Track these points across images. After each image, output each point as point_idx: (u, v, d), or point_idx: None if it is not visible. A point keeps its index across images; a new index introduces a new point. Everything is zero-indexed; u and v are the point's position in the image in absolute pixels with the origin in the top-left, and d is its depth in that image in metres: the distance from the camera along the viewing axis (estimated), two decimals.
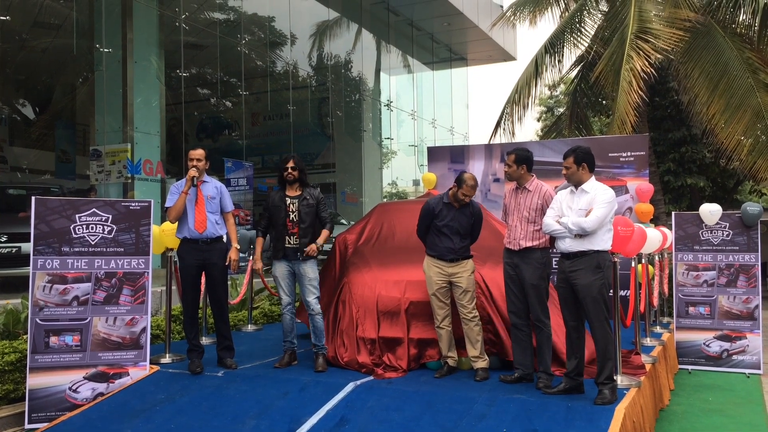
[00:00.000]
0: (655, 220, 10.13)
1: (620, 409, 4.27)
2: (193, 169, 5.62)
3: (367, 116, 20.36)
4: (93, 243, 5.56)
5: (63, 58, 15.91)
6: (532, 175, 5.16)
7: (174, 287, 6.33)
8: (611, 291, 4.84)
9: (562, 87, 22.82)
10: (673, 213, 8.07)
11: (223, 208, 5.82)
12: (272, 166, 18.93)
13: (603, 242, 4.60)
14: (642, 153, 8.66)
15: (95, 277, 5.53)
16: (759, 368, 7.34)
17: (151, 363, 5.66)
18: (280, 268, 5.72)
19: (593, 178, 4.75)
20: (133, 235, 5.69)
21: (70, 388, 5.33)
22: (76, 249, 5.50)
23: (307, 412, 4.53)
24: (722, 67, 11.91)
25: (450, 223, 5.35)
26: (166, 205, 5.70)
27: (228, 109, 19.55)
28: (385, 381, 5.16)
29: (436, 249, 5.38)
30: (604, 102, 17.20)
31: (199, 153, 5.70)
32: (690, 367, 7.53)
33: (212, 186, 5.81)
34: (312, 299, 5.63)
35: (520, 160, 5.09)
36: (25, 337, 5.66)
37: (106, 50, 11.97)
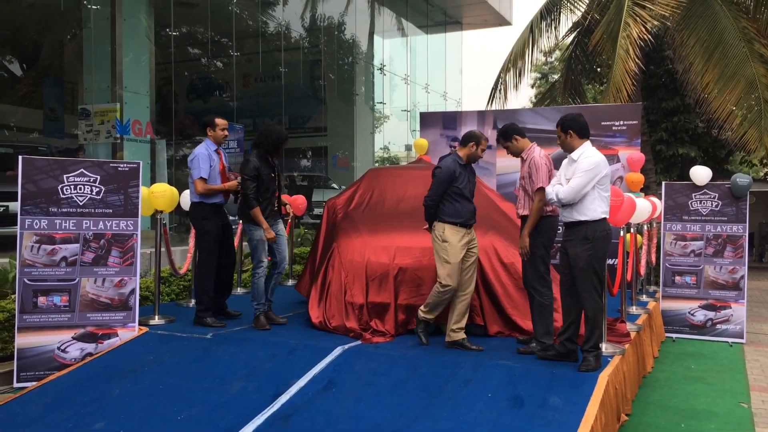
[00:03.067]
0: (646, 190, 10.15)
1: (603, 376, 4.33)
2: (236, 182, 5.97)
3: (360, 80, 20.13)
4: (81, 204, 5.52)
5: (50, 13, 15.56)
6: (532, 144, 5.13)
7: (163, 249, 6.32)
8: (609, 261, 4.89)
9: (558, 53, 22.62)
10: (663, 183, 8.09)
11: None
12: None
13: (591, 212, 4.54)
14: (634, 122, 8.64)
15: (83, 238, 5.51)
16: (742, 337, 7.45)
17: (140, 324, 5.69)
18: (273, 231, 5.80)
19: (585, 144, 4.68)
20: (122, 197, 5.65)
21: (58, 348, 5.35)
22: (64, 210, 5.46)
23: (295, 375, 4.58)
24: (718, 35, 11.80)
25: (468, 185, 5.19)
26: (202, 174, 5.82)
27: (219, 69, 19.25)
28: (373, 345, 5.21)
29: (460, 215, 5.09)
30: (599, 69, 17.07)
31: (226, 122, 6.07)
32: (674, 335, 7.63)
33: (224, 154, 6.21)
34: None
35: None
36: (13, 296, 5.66)
37: (94, 7, 11.71)
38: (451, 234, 5.07)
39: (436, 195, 5.12)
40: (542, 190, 4.83)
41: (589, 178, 4.51)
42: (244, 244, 8.33)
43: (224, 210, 6.17)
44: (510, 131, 5.12)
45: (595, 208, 4.55)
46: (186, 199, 6.95)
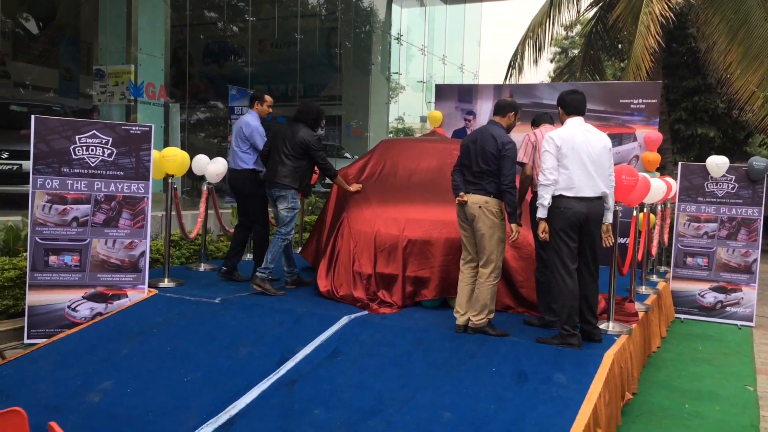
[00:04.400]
0: (662, 170, 10.04)
1: (609, 355, 4.32)
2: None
3: (376, 49, 19.94)
4: (93, 165, 5.52)
5: None
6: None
7: (174, 213, 6.34)
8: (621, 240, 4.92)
9: (578, 28, 22.24)
10: (679, 163, 7.98)
11: None
12: (278, 96, 18.67)
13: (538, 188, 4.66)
14: (654, 101, 8.51)
15: (95, 200, 5.53)
16: (751, 321, 7.41)
17: (149, 286, 5.72)
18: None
19: (569, 120, 4.73)
20: (133, 160, 5.65)
21: (69, 307, 5.41)
22: (76, 170, 5.47)
23: (301, 342, 4.60)
24: (743, 15, 11.56)
25: None
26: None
27: (234, 34, 19.11)
28: (379, 316, 5.22)
29: None
30: (620, 46, 16.79)
31: (272, 101, 6.50)
32: (683, 316, 7.60)
33: None
34: None
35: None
36: (25, 254, 5.70)
37: None
38: (502, 210, 4.79)
39: (514, 174, 4.76)
40: (521, 164, 5.06)
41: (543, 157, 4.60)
42: None
43: None
44: (514, 107, 5.07)
45: (540, 188, 4.62)
46: (200, 164, 6.96)
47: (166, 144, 11.21)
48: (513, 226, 4.75)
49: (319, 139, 5.94)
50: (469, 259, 4.89)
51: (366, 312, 5.30)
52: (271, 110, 6.49)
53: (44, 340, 5.01)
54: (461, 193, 4.82)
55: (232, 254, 6.52)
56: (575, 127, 4.66)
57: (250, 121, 6.28)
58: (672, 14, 11.13)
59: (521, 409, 3.66)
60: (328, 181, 6.51)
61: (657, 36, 10.96)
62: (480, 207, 4.73)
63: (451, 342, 4.64)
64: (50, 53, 17.60)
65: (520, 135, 8.58)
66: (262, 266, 5.84)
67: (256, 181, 6.24)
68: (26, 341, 5.23)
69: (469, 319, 4.79)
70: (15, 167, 8.53)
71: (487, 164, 4.74)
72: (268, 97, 6.47)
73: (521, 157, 5.09)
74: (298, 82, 17.57)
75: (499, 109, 4.99)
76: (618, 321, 5.10)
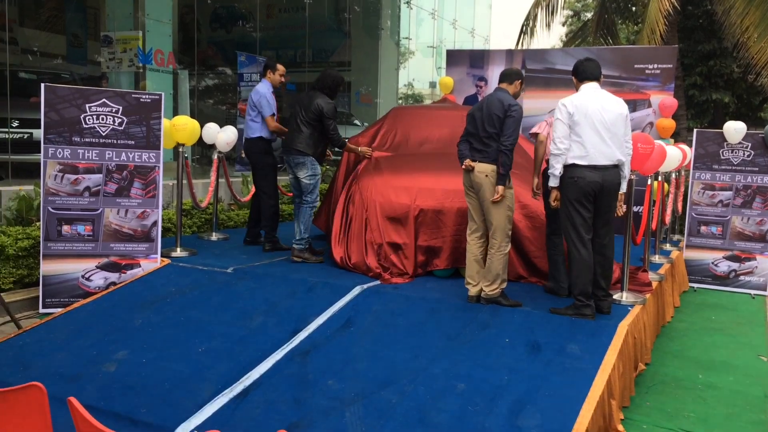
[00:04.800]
0: (676, 136, 9.91)
1: (623, 326, 4.31)
2: None
3: (386, 13, 19.60)
4: (104, 134, 5.50)
5: None
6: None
7: (185, 182, 6.32)
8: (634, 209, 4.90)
9: None
10: (695, 130, 7.86)
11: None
12: (286, 62, 18.46)
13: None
14: (669, 66, 8.35)
15: (106, 169, 5.51)
16: (765, 290, 7.36)
17: (162, 256, 5.74)
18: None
19: (582, 86, 4.64)
20: (144, 129, 5.61)
21: (83, 276, 5.44)
22: (87, 139, 5.45)
23: (314, 312, 4.61)
24: None
25: None
26: (274, 111, 6.33)
27: None
28: (392, 286, 5.22)
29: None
30: (633, 8, 16.44)
31: (284, 69, 6.56)
32: (696, 285, 7.57)
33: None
34: None
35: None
36: (38, 223, 5.72)
37: None
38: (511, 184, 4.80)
39: (516, 138, 4.72)
40: (534, 135, 5.12)
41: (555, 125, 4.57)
42: None
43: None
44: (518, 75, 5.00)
45: (550, 157, 4.61)
46: (210, 132, 6.92)
47: (176, 112, 11.14)
48: (499, 187, 4.64)
49: (334, 108, 5.89)
50: (474, 228, 4.87)
51: (378, 282, 5.30)
52: (283, 78, 6.55)
53: (59, 309, 5.05)
54: (467, 159, 4.78)
55: (251, 224, 6.77)
56: (589, 93, 4.57)
57: (260, 89, 6.37)
58: None
59: (534, 380, 3.67)
60: (338, 149, 6.45)
61: None
62: (486, 176, 4.69)
63: (464, 312, 4.64)
64: (57, 19, 17.43)
65: (531, 102, 8.48)
66: (297, 238, 5.95)
67: (262, 149, 6.35)
68: (41, 310, 5.28)
69: (481, 290, 4.78)
70: (26, 136, 8.51)
71: (494, 126, 4.68)
72: (280, 66, 6.54)
73: (535, 129, 5.11)
74: (307, 48, 17.34)
75: (506, 77, 4.92)
76: (632, 291, 5.08)
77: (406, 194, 5.66)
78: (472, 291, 4.83)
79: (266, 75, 6.49)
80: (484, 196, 4.71)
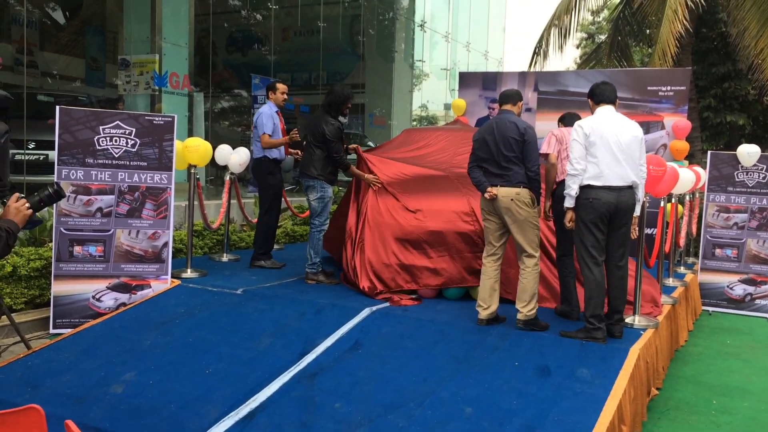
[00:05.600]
0: (690, 158, 9.82)
1: (635, 350, 4.25)
2: (296, 134, 6.40)
3: (400, 36, 19.77)
4: (116, 156, 5.55)
5: None
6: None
7: (196, 203, 6.36)
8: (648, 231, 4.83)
9: (606, 13, 21.84)
10: (709, 152, 7.81)
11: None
12: (301, 84, 18.62)
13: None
14: (682, 88, 8.31)
15: (118, 190, 5.56)
16: None
17: (172, 277, 5.76)
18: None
19: (598, 109, 4.66)
20: (157, 150, 5.66)
21: (93, 297, 5.46)
22: (100, 161, 5.51)
23: (322, 334, 4.59)
24: None
25: None
26: (266, 131, 6.36)
27: (258, 22, 19.05)
28: (401, 308, 5.19)
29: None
30: (648, 31, 16.44)
31: (286, 88, 6.63)
32: (711, 309, 7.46)
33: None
34: None
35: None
36: (50, 244, 5.77)
37: None
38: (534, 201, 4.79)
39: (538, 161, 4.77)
40: (545, 156, 5.10)
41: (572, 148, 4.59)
42: None
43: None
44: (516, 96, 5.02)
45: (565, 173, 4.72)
46: (223, 154, 6.98)
47: (191, 133, 11.26)
48: (536, 209, 4.77)
49: (338, 129, 5.84)
50: (491, 252, 4.83)
51: (387, 304, 5.27)
52: (285, 97, 6.65)
53: (69, 330, 5.06)
54: (489, 188, 4.73)
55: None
56: (605, 115, 4.57)
57: (262, 109, 6.54)
58: None
59: (544, 405, 3.61)
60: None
61: (684, 21, 10.70)
62: (512, 200, 4.66)
63: (473, 335, 4.60)
64: (77, 43, 17.73)
65: (544, 124, 8.47)
66: (309, 263, 5.99)
67: (263, 169, 6.49)
68: (52, 331, 5.30)
69: (494, 313, 4.78)
70: (41, 157, 8.62)
71: (512, 150, 4.68)
72: (280, 85, 6.64)
73: (545, 149, 5.09)
74: (321, 70, 17.50)
75: (509, 98, 4.92)
76: (644, 315, 5.00)
77: (415, 216, 5.64)
78: (483, 314, 4.79)
79: (269, 96, 6.66)
80: (513, 219, 4.68)
